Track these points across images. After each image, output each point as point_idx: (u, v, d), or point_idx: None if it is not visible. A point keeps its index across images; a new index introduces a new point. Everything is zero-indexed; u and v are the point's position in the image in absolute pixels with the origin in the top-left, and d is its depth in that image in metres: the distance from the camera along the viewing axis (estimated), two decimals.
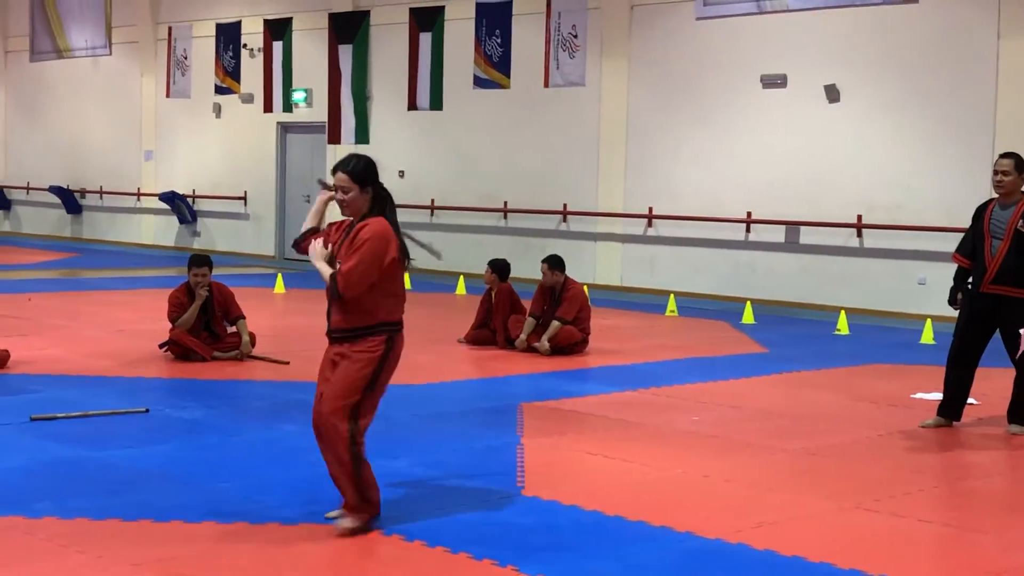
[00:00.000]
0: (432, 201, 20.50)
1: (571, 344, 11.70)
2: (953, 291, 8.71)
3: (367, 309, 5.77)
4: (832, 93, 16.31)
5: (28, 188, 28.29)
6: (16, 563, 5.16)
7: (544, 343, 11.56)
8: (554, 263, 11.87)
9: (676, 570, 5.35)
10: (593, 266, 18.60)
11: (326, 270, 5.79)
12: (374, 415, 5.85)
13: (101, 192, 26.56)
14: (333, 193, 5.91)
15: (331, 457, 5.75)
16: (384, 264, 5.71)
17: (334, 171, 5.83)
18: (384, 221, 5.78)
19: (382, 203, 5.84)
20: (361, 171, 5.79)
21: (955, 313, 8.80)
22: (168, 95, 23.86)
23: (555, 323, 11.59)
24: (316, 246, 5.90)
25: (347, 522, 5.70)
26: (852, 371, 11.31)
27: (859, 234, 16.23)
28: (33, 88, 28.20)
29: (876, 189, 16.04)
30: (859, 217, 16.15)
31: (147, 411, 8.43)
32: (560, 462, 7.35)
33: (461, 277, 18.00)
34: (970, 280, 8.61)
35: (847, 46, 16.28)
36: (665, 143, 18.01)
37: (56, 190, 26.98)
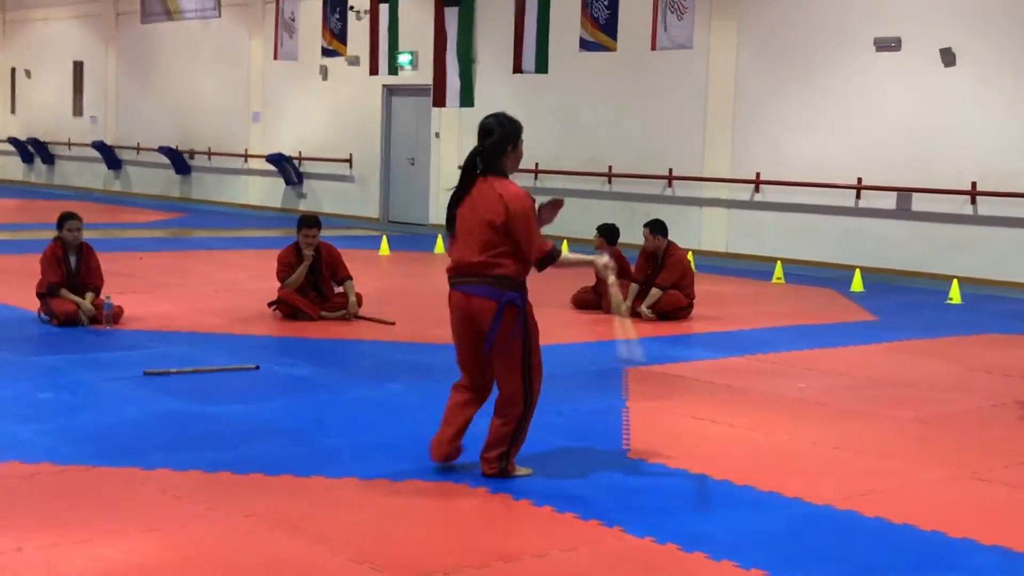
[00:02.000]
0: (536, 165, 20.46)
1: (676, 309, 11.61)
2: None
3: None
4: (948, 56, 15.90)
5: (138, 148, 28.82)
6: (132, 512, 5.28)
7: (646, 310, 11.48)
8: (656, 227, 11.78)
9: (785, 535, 5.29)
10: (699, 232, 18.43)
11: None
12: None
13: (209, 153, 26.97)
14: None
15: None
16: None
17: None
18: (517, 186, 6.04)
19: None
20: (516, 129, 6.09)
21: None
22: (276, 57, 24.03)
23: (654, 291, 11.51)
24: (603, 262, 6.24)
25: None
26: (965, 340, 11.07)
27: (973, 201, 15.84)
28: (143, 50, 28.68)
29: (991, 155, 15.63)
30: (973, 184, 15.76)
31: (257, 368, 8.56)
32: (665, 426, 7.30)
33: (565, 241, 17.96)
34: None
35: (963, 8, 15.84)
36: (773, 108, 17.73)
37: (166, 151, 27.46)
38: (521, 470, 6.00)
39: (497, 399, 6.04)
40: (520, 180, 20.61)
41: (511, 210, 5.82)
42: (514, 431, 5.94)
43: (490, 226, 5.83)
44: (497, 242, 5.84)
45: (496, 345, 5.85)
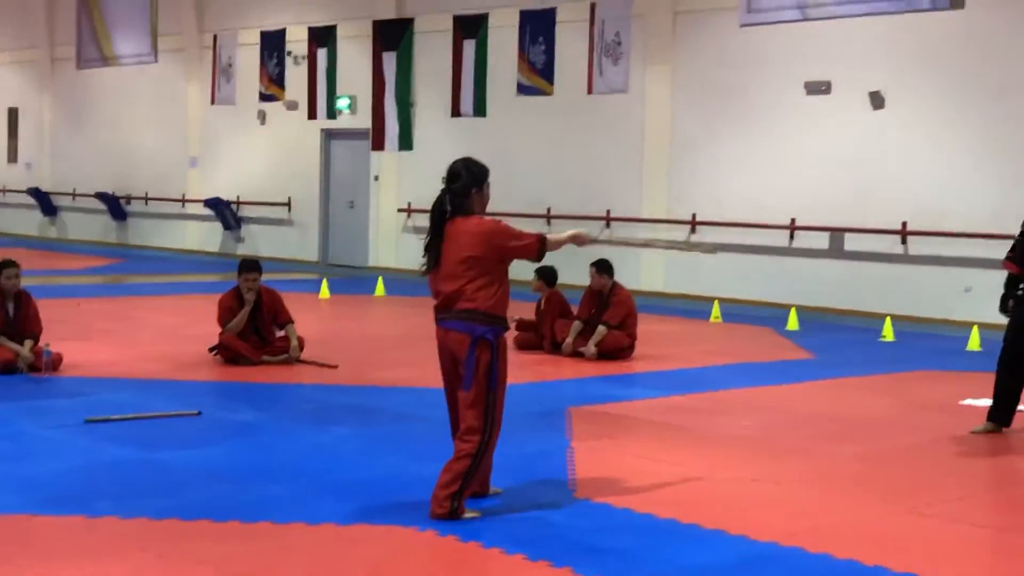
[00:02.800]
0: None
1: (618, 349, 11.72)
2: (1004, 298, 8.66)
3: None
4: (876, 99, 16.25)
5: (74, 195, 28.58)
6: (80, 561, 5.24)
7: (591, 348, 11.58)
8: (602, 267, 11.91)
9: (731, 572, 5.36)
10: (638, 272, 18.58)
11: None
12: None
13: (146, 198, 26.82)
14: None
15: None
16: None
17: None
18: None
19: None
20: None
21: (1003, 320, 8.76)
22: (213, 102, 24.05)
23: (601, 328, 11.62)
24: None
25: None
26: (900, 377, 11.27)
27: (904, 240, 16.15)
28: (80, 96, 28.51)
29: (921, 195, 15.96)
30: (904, 224, 16.07)
31: (199, 414, 8.53)
32: (610, 465, 7.37)
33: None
34: (1021, 287, 8.56)
35: (892, 52, 16.22)
36: (709, 149, 17.99)
37: (102, 196, 27.26)
38: (470, 512, 6.04)
39: (457, 434, 6.09)
40: None
41: (483, 234, 6.05)
42: (467, 469, 5.98)
43: (464, 260, 6.05)
44: (472, 275, 6.05)
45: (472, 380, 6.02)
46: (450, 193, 6.16)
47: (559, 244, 6.27)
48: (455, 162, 6.26)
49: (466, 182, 6.15)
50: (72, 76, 28.43)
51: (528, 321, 12.30)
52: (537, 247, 6.15)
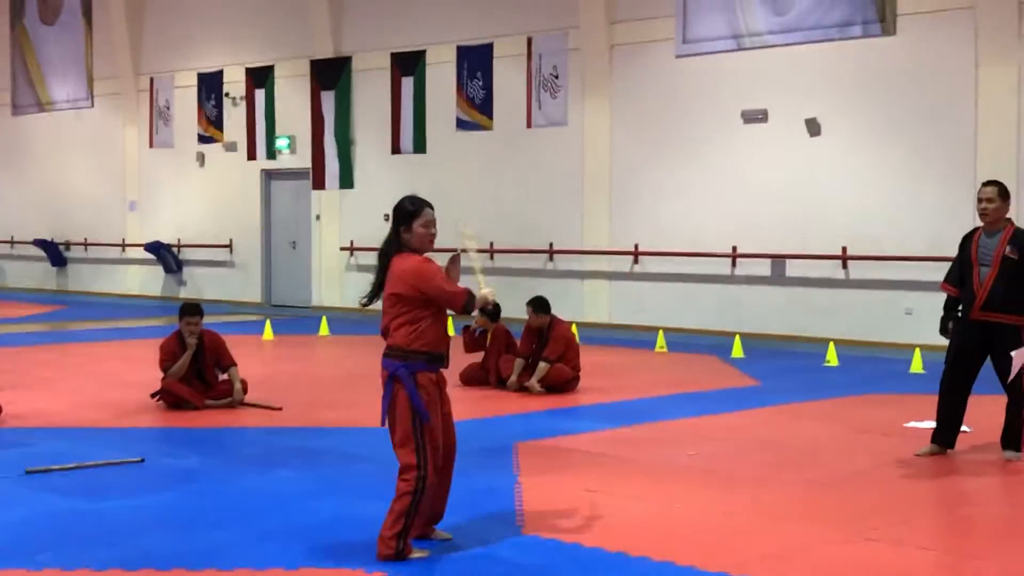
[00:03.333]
0: None
1: (563, 382, 11.72)
2: (944, 320, 8.75)
3: None
4: (813, 127, 16.44)
5: (12, 242, 28.26)
6: None
7: (535, 384, 11.58)
8: (538, 306, 11.93)
9: None
10: (580, 304, 18.64)
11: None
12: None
13: (86, 244, 26.55)
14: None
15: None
16: None
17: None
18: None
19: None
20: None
21: (944, 341, 8.84)
22: (151, 145, 23.93)
23: (542, 364, 11.65)
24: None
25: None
26: (844, 402, 11.34)
27: (844, 265, 16.31)
28: (15, 142, 28.22)
29: (860, 220, 16.14)
30: (844, 249, 16.24)
31: (142, 461, 8.41)
32: (558, 500, 7.34)
33: (449, 319, 18.00)
34: (959, 308, 8.66)
35: (827, 80, 16.43)
36: (649, 180, 18.10)
37: (40, 243, 26.97)
38: (418, 552, 5.99)
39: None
40: None
41: (407, 273, 6.11)
42: (409, 506, 5.95)
43: (390, 297, 6.15)
44: (395, 312, 6.14)
45: (389, 415, 6.05)
46: (392, 232, 6.26)
47: (484, 302, 6.33)
48: (400, 200, 6.32)
49: (393, 223, 6.25)
50: (7, 122, 28.17)
51: (473, 367, 12.29)
52: (462, 301, 6.20)
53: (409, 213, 6.23)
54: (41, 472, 7.99)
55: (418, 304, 6.11)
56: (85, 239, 26.56)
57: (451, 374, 12.41)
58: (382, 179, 21.05)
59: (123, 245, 25.71)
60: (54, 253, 26.97)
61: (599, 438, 9.40)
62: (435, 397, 6.18)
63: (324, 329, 17.83)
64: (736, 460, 8.55)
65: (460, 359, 12.70)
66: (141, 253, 25.03)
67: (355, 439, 9.33)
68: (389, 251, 6.23)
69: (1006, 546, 6.42)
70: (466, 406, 11.24)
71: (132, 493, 7.46)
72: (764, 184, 16.94)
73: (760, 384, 12.49)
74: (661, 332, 16.06)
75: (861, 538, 6.44)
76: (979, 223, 8.75)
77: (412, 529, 5.97)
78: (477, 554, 6.07)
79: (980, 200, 8.57)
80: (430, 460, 6.06)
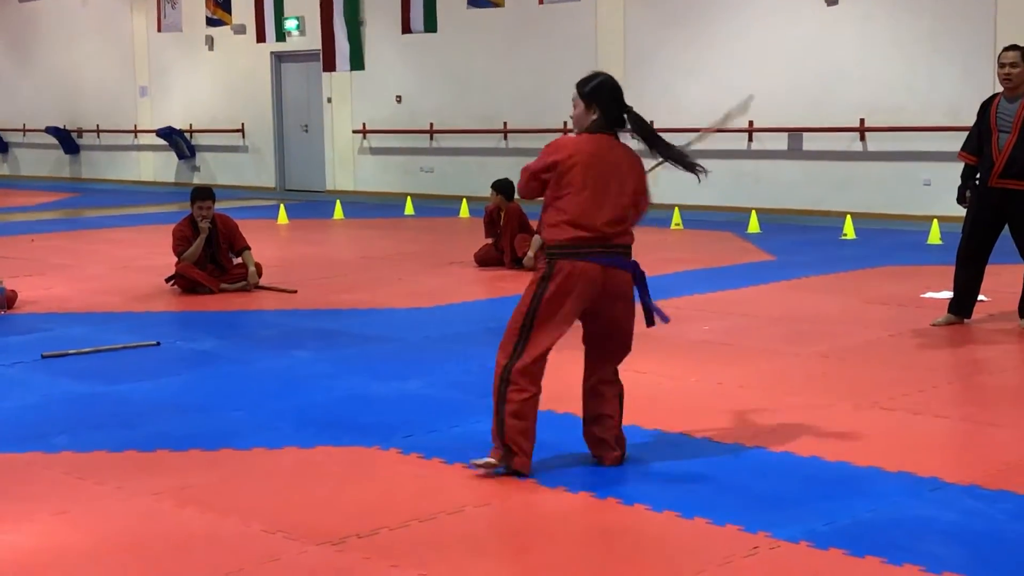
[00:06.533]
0: (431, 125, 20.35)
1: None
2: (961, 189, 8.63)
3: (543, 231, 5.44)
4: None
5: (24, 130, 28.12)
6: (37, 497, 5.17)
7: (529, 256, 11.48)
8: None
9: (695, 475, 5.35)
10: None
11: None
12: (538, 352, 5.35)
13: (98, 131, 26.42)
14: None
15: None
16: (542, 174, 5.40)
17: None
18: (569, 137, 5.49)
19: (638, 131, 5.62)
20: (587, 89, 5.52)
21: (962, 212, 8.75)
22: (159, 29, 23.62)
23: (537, 237, 11.55)
24: None
25: (481, 459, 5.34)
26: (861, 274, 11.28)
27: (862, 138, 16.11)
28: (23, 29, 27.92)
29: (877, 91, 15.89)
30: (861, 121, 16.02)
31: (158, 344, 8.43)
32: (573, 376, 7.31)
33: (464, 200, 17.93)
34: (977, 176, 8.54)
35: None
36: (663, 55, 17.82)
37: (53, 131, 26.84)
38: (488, 459, 5.36)
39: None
40: (415, 141, 20.56)
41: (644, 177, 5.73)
42: (495, 402, 5.37)
43: (638, 196, 5.72)
44: (635, 212, 5.73)
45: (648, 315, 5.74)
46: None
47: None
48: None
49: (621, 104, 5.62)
50: (14, 9, 27.86)
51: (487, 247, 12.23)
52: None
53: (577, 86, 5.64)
54: (57, 356, 8.02)
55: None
56: (97, 126, 26.41)
57: (462, 257, 12.44)
58: (393, 60, 20.79)
59: (135, 132, 25.57)
60: (67, 141, 26.86)
61: None
62: None
63: (338, 213, 17.77)
64: (750, 334, 8.53)
65: (469, 244, 12.69)
66: (153, 139, 24.91)
67: (370, 321, 9.33)
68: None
69: (1022, 413, 6.40)
70: (481, 287, 11.25)
71: (148, 376, 7.49)
72: (780, 57, 16.66)
73: (776, 259, 12.42)
74: (677, 209, 15.95)
75: (877, 407, 6.42)
76: (999, 91, 8.58)
77: (502, 434, 5.33)
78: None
79: (1002, 65, 8.38)
80: (521, 362, 5.40)
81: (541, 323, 5.34)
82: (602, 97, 5.54)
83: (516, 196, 12.19)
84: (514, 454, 5.30)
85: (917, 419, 6.25)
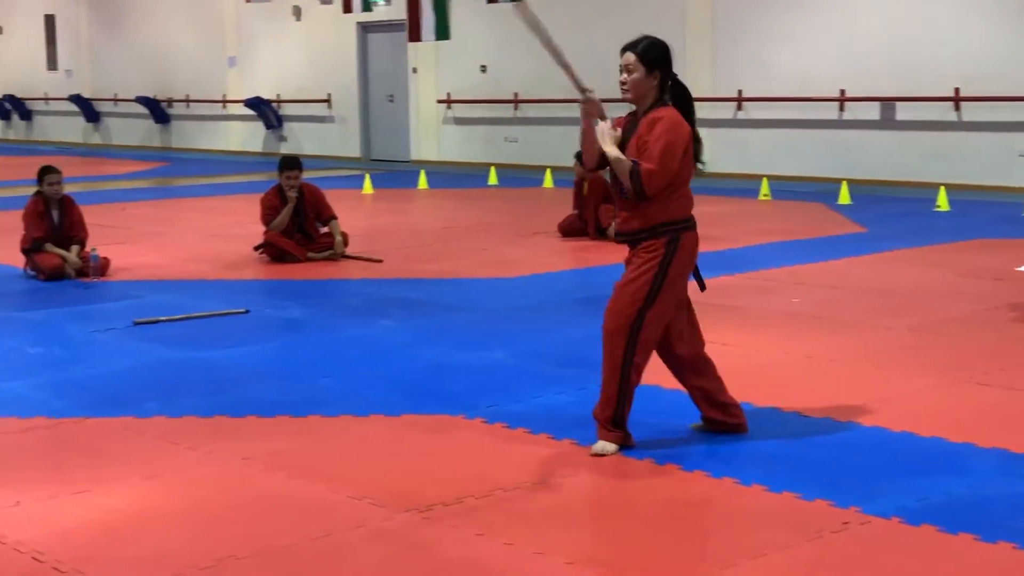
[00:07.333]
0: (516, 95, 20.29)
1: None
2: None
3: (652, 210, 5.21)
4: None
5: (116, 100, 28.53)
6: (129, 461, 5.25)
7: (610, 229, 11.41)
8: None
9: (784, 449, 5.28)
10: None
11: (624, 162, 5.19)
12: (659, 330, 5.28)
13: (187, 100, 26.72)
14: (592, 100, 5.40)
15: (604, 370, 5.26)
16: (680, 157, 5.22)
17: (622, 52, 5.35)
18: (675, 111, 5.27)
19: (678, 97, 5.34)
20: (651, 53, 5.28)
21: None
22: (248, 0, 23.79)
23: None
24: (603, 126, 5.30)
25: (600, 446, 5.21)
26: (954, 247, 11.06)
27: (957, 107, 15.76)
28: (115, 1, 28.28)
29: (973, 60, 15.52)
30: (956, 90, 15.68)
31: (247, 312, 8.52)
32: None
33: (548, 170, 17.87)
34: None
35: None
36: (753, 21, 17.57)
37: (143, 100, 27.20)
38: (607, 445, 5.24)
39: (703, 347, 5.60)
40: (500, 111, 20.51)
41: None
42: (617, 386, 5.27)
43: None
44: None
45: None
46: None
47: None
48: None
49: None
50: None
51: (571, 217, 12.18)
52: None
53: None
54: (148, 323, 8.13)
55: None
56: (187, 96, 26.72)
57: (547, 227, 12.40)
58: (479, 30, 20.74)
59: (224, 101, 25.81)
60: (157, 110, 27.21)
61: None
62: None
63: (423, 183, 17.81)
64: (841, 307, 8.40)
65: (554, 214, 12.64)
66: (241, 109, 25.13)
67: (454, 290, 9.35)
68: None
69: None
70: (565, 257, 11.20)
71: (237, 343, 7.57)
72: (873, 24, 16.34)
73: (867, 231, 12.22)
74: (765, 180, 15.75)
75: (972, 382, 6.29)
76: None
77: (617, 410, 5.28)
78: (577, 401, 6.04)
79: None
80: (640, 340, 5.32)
81: (663, 299, 5.25)
82: (664, 63, 5.36)
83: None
84: (629, 434, 5.29)
85: (1013, 394, 6.11)
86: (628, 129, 5.36)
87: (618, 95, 5.41)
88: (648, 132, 5.22)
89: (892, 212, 13.72)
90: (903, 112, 16.26)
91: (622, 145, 5.30)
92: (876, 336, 7.48)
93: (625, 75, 5.34)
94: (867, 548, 4.20)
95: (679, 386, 6.24)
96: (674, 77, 5.39)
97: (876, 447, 5.29)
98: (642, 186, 5.15)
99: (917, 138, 16.17)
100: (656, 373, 6.23)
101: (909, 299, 8.63)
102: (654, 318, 5.26)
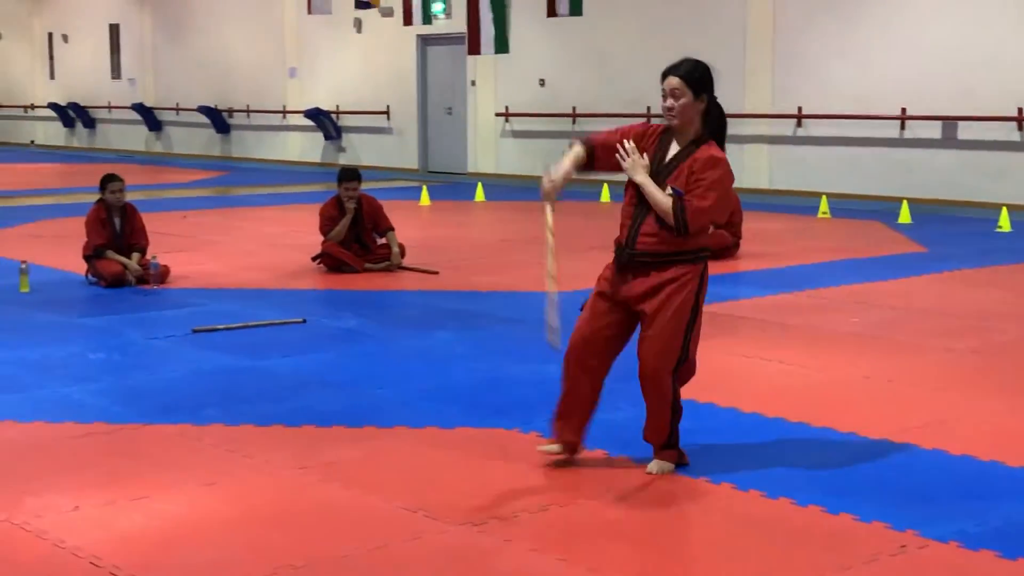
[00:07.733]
0: (574, 109, 20.31)
1: (722, 248, 11.50)
2: None
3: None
4: None
5: (178, 109, 28.87)
6: (187, 468, 5.30)
7: None
8: None
9: (841, 470, 5.23)
10: (740, 169, 18.13)
11: (662, 197, 5.11)
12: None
13: (248, 111, 26.97)
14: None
15: (653, 403, 5.24)
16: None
17: (664, 76, 5.28)
18: (721, 151, 5.17)
19: (715, 121, 5.24)
20: (697, 77, 5.24)
21: None
22: (310, 11, 23.89)
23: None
24: (635, 157, 5.22)
25: (658, 466, 5.20)
26: (1017, 268, 10.92)
27: (1020, 127, 15.58)
28: (177, 10, 28.64)
29: None
30: (1020, 110, 15.49)
31: (304, 321, 8.57)
32: (715, 365, 7.23)
33: (605, 185, 17.86)
34: None
35: None
36: (814, 39, 17.47)
37: (204, 110, 27.49)
38: (664, 464, 5.24)
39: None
40: (558, 125, 20.52)
41: None
42: (671, 411, 5.31)
43: None
44: None
45: None
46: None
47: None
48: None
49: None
50: None
51: None
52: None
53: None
54: (207, 331, 8.21)
55: None
56: (247, 106, 26.97)
57: (606, 242, 12.34)
58: (538, 43, 20.78)
59: (284, 112, 26.04)
60: (218, 120, 27.49)
61: (758, 304, 9.23)
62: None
63: (480, 195, 17.86)
64: (899, 327, 8.31)
65: (613, 228, 12.59)
66: (301, 120, 25.33)
67: (510, 303, 9.36)
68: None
69: None
70: None
71: (294, 352, 7.62)
72: (936, 42, 16.19)
73: (927, 251, 12.10)
74: (824, 197, 15.64)
75: None
76: None
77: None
78: (631, 416, 6.01)
79: None
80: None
81: (698, 325, 5.26)
82: (710, 87, 5.28)
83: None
84: (684, 452, 5.29)
85: None
86: (661, 148, 5.25)
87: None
88: (703, 171, 5.10)
89: (953, 232, 13.58)
90: (965, 131, 16.09)
91: (659, 170, 5.19)
92: (936, 358, 7.40)
93: (672, 101, 5.22)
94: (924, 572, 4.16)
95: (736, 404, 6.21)
96: (715, 102, 5.30)
97: (935, 470, 5.23)
98: (687, 223, 5.08)
99: (979, 157, 16.00)
100: (711, 391, 6.20)
101: (969, 321, 8.53)
102: (694, 346, 5.26)
